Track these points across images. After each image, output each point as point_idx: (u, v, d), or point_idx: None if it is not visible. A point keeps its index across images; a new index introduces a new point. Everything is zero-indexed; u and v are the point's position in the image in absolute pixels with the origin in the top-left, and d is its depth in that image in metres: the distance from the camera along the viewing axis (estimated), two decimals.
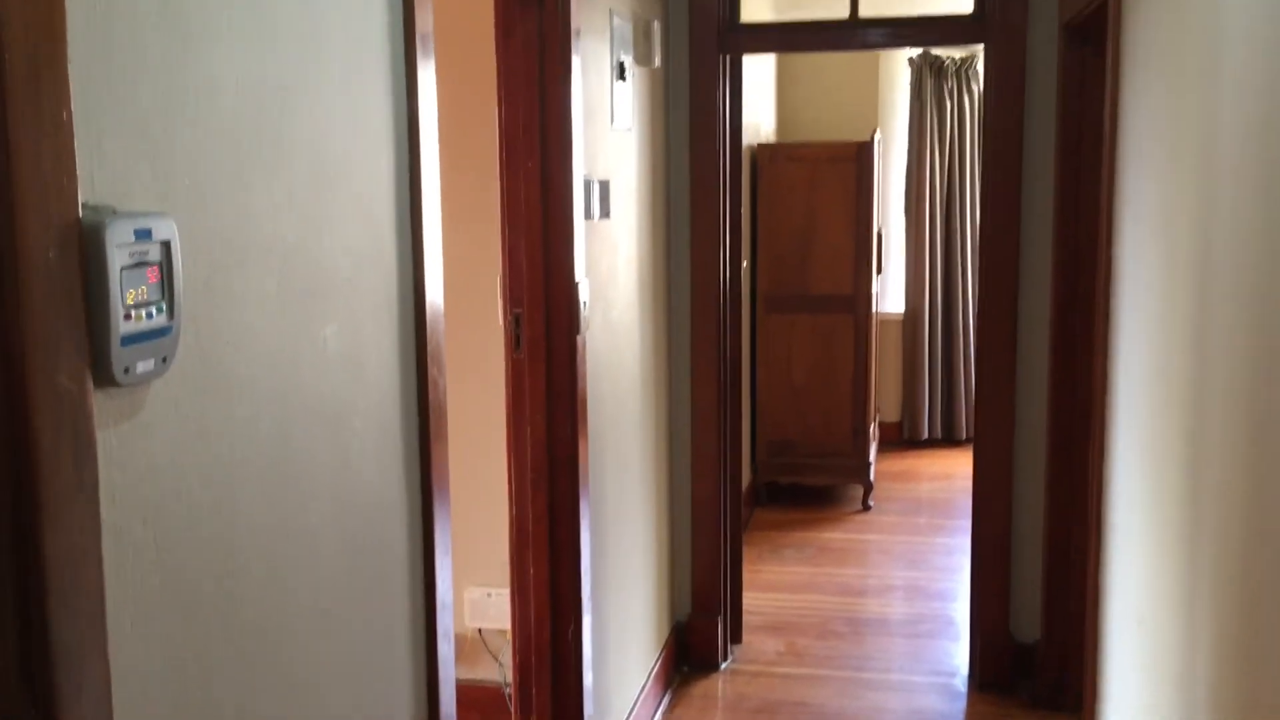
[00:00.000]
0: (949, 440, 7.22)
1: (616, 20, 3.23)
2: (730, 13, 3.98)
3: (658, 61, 3.60)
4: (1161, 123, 2.34)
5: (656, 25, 3.56)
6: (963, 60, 7.05)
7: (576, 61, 2.80)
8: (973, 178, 7.10)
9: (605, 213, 3.11)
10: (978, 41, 3.89)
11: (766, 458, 6.02)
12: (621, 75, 3.28)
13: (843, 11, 4.01)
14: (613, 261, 3.26)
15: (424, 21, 1.94)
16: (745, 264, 4.97)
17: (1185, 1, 2.16)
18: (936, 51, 6.96)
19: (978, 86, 7.03)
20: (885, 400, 7.22)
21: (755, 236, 5.94)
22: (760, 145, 6.02)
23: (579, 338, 2.85)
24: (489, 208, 2.98)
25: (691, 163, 3.94)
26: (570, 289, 2.81)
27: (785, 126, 7.00)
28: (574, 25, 2.78)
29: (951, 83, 7.07)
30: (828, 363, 5.98)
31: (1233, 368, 1.80)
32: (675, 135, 3.95)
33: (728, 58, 3.99)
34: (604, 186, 3.09)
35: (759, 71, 6.19)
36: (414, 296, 1.93)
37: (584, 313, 2.87)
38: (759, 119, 6.19)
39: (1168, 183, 2.27)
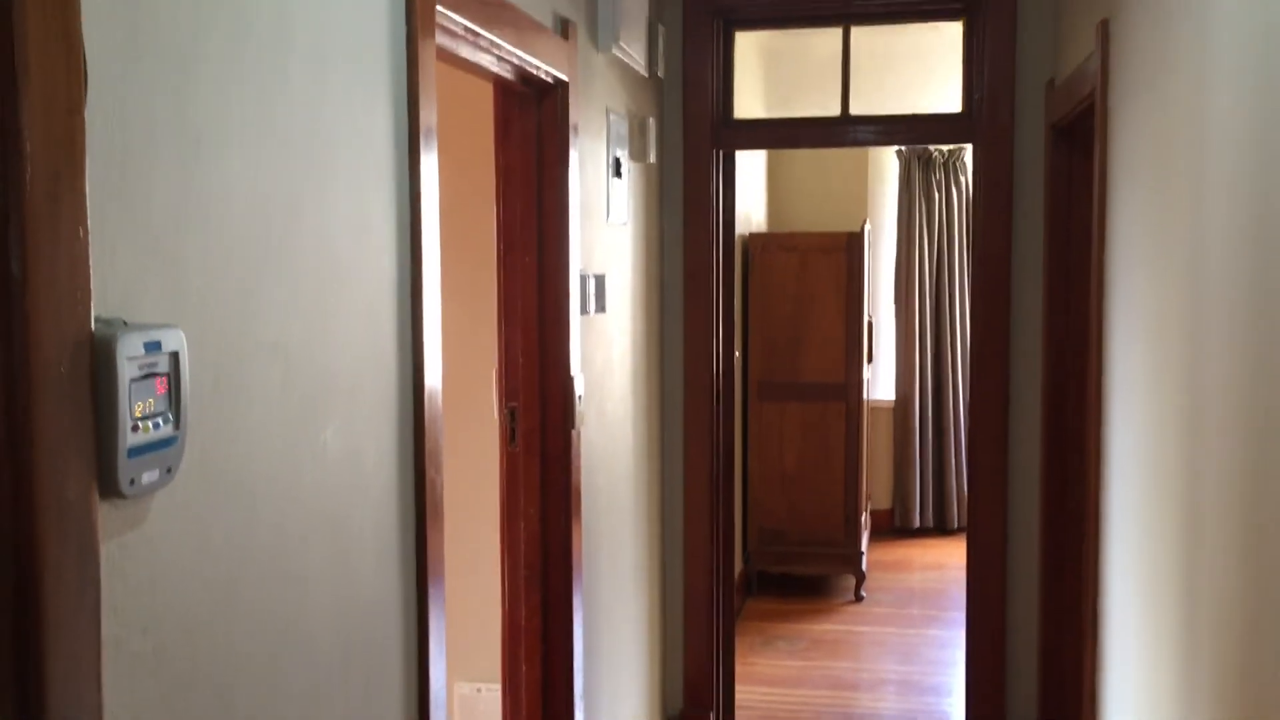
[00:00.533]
0: (941, 529, 7.19)
1: (613, 118, 3.29)
2: (724, 109, 4.06)
3: (653, 157, 3.67)
4: (1150, 222, 2.38)
5: (652, 122, 3.63)
6: (950, 152, 7.17)
7: (574, 158, 2.85)
8: (961, 267, 7.18)
9: (601, 307, 3.14)
10: (966, 141, 3.97)
11: (758, 546, 5.99)
12: (617, 171, 3.33)
13: (834, 109, 4.09)
14: (607, 355, 3.28)
15: (427, 116, 1.98)
16: (737, 354, 4.99)
17: (1171, 105, 2.21)
18: None
19: (965, 177, 7.15)
20: (877, 488, 7.21)
21: (747, 324, 5.98)
22: (752, 235, 6.09)
23: (574, 431, 2.86)
24: (486, 299, 3.01)
25: (685, 255, 3.99)
26: (565, 383, 2.83)
27: (776, 216, 7.09)
28: (571, 123, 2.83)
29: (939, 174, 7.19)
30: (819, 450, 5.98)
31: (1226, 468, 1.82)
32: (669, 228, 4.00)
33: (721, 153, 4.06)
34: (599, 281, 3.12)
35: (750, 161, 6.29)
36: (414, 396, 1.94)
37: (579, 407, 2.89)
38: (750, 208, 6.28)
39: (1157, 280, 2.31)
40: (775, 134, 4.50)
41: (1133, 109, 2.53)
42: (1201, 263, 1.98)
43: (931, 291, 7.23)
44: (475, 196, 3.27)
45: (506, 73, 2.55)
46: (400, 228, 1.90)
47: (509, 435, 2.82)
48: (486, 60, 2.41)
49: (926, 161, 7.17)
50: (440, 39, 2.10)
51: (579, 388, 2.88)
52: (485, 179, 2.91)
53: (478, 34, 2.25)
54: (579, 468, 2.91)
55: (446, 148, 2.20)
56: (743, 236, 5.88)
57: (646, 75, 3.64)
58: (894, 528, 7.22)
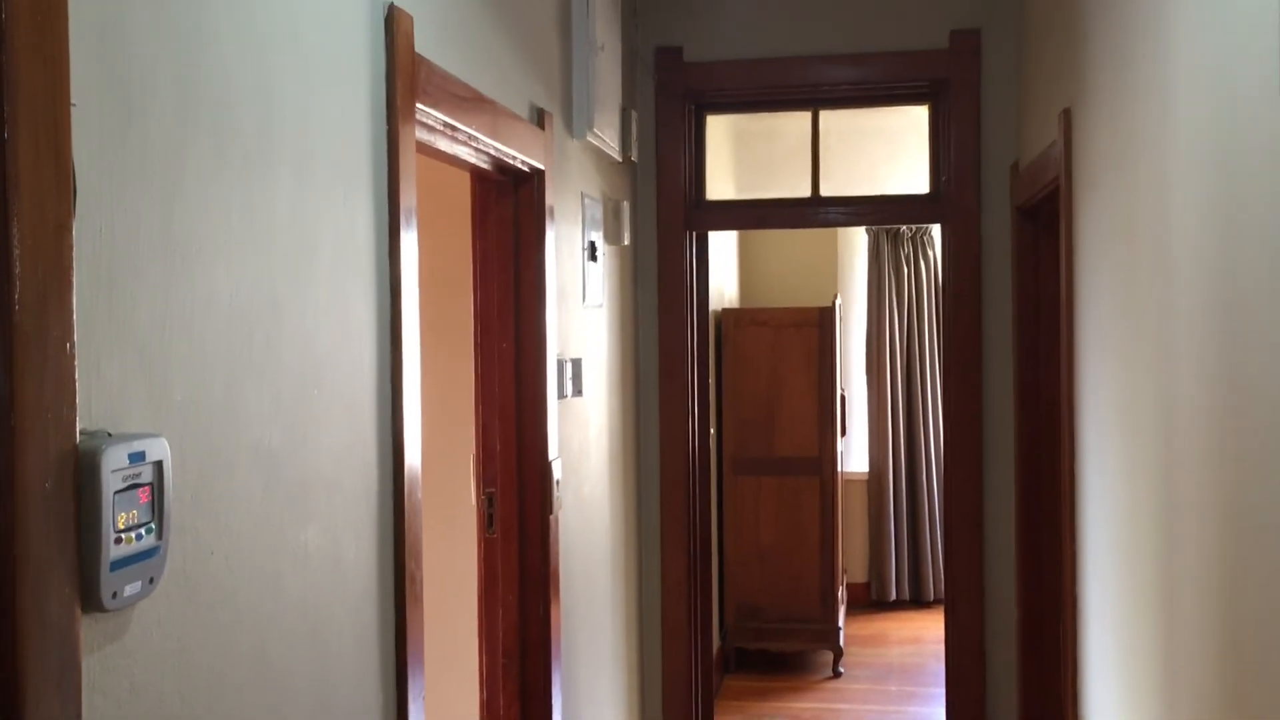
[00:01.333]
0: (917, 601, 7.17)
1: (588, 202, 3.33)
2: (696, 192, 4.11)
3: (627, 239, 3.70)
4: (1118, 304, 2.42)
5: (626, 205, 3.68)
6: (918, 227, 7.28)
7: (549, 243, 2.87)
8: (931, 338, 7.25)
9: (578, 390, 3.15)
10: (935, 221, 4.04)
11: (735, 623, 5.95)
12: (593, 254, 3.36)
13: (804, 189, 4.16)
14: (584, 437, 3.28)
15: (408, 209, 2.00)
16: (712, 431, 5.01)
17: (1135, 191, 2.26)
18: None
19: (933, 251, 7.25)
20: (852, 560, 7.19)
21: (720, 399, 6.00)
22: (725, 310, 6.13)
23: (552, 516, 2.85)
24: (463, 385, 3.01)
25: (660, 335, 4.02)
26: (543, 468, 2.82)
27: (748, 291, 7.15)
28: (547, 208, 2.86)
29: (908, 248, 7.29)
30: (795, 525, 5.97)
31: (1200, 541, 1.83)
32: (644, 308, 4.03)
33: (694, 234, 4.11)
34: (576, 365, 3.14)
35: (722, 237, 6.35)
36: (394, 489, 1.93)
37: (557, 491, 2.88)
38: (722, 284, 6.32)
39: (1126, 358, 2.34)
40: (747, 215, 4.56)
41: (1097, 194, 2.59)
42: (1170, 343, 2.01)
43: (903, 364, 7.29)
44: (451, 283, 3.29)
45: (484, 163, 2.59)
46: (380, 321, 1.91)
47: (487, 522, 2.81)
48: (464, 152, 2.44)
49: (895, 236, 7.27)
50: (419, 134, 2.13)
51: (557, 472, 2.88)
52: (461, 265, 2.93)
53: (455, 128, 2.28)
54: (557, 553, 2.90)
55: (423, 235, 2.22)
56: (715, 312, 5.92)
57: (620, 159, 3.69)
58: (870, 601, 7.19)
